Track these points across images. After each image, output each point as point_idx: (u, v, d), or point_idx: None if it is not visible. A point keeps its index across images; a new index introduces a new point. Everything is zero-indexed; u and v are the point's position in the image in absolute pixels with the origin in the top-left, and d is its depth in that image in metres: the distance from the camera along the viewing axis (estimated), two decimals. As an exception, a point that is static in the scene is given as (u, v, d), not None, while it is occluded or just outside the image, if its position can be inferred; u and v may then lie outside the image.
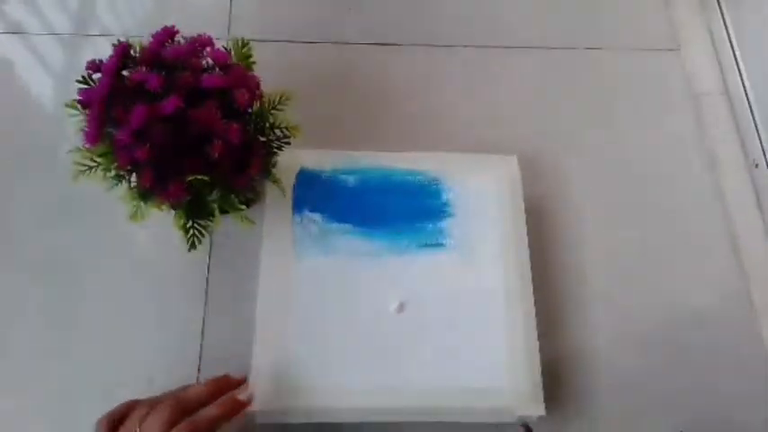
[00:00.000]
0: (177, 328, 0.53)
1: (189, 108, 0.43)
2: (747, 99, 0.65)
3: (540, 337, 0.52)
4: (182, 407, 0.44)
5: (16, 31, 0.65)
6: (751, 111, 0.65)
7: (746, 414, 0.54)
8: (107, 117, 0.43)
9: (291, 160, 0.56)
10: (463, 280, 0.53)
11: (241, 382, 0.49)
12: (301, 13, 0.68)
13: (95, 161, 0.45)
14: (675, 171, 0.63)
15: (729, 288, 0.58)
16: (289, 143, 0.51)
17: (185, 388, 0.47)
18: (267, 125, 0.49)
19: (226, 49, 0.48)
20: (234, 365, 0.50)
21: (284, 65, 0.63)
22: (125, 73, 0.45)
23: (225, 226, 0.55)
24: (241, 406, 0.47)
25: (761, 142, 0.63)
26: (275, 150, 0.51)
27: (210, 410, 0.44)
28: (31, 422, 0.50)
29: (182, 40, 0.46)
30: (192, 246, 0.50)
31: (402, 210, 0.56)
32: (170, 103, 0.42)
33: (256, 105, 0.48)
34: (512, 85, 0.66)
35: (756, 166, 0.63)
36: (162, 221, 0.50)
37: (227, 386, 0.48)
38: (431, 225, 0.55)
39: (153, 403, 0.44)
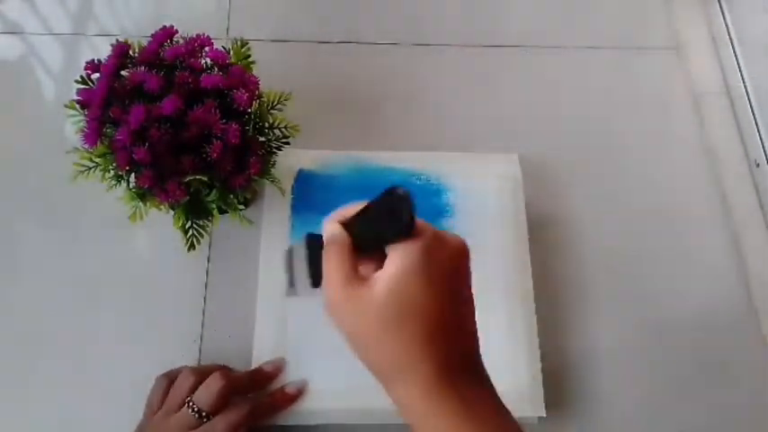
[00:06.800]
0: (177, 327, 0.53)
1: (188, 108, 0.43)
2: (748, 98, 0.65)
3: (541, 337, 0.52)
4: (233, 385, 0.46)
5: (14, 31, 0.65)
6: (752, 110, 0.64)
7: (747, 414, 0.54)
8: (106, 117, 0.43)
9: (290, 160, 0.56)
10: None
11: (274, 375, 0.50)
12: (301, 13, 0.68)
13: (94, 161, 0.45)
14: (676, 171, 0.63)
15: (729, 288, 0.58)
16: (288, 143, 0.51)
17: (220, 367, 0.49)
18: (266, 125, 0.49)
19: (225, 49, 0.48)
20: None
21: (284, 65, 0.63)
22: (124, 73, 0.45)
23: (224, 226, 0.55)
24: (292, 399, 0.49)
25: (762, 142, 0.63)
26: (274, 150, 0.50)
27: (267, 398, 0.48)
28: (30, 418, 0.50)
29: (180, 41, 0.46)
30: (192, 246, 0.50)
31: (402, 210, 0.55)
32: (169, 104, 0.42)
33: (255, 105, 0.48)
34: (512, 84, 0.66)
35: (757, 165, 0.63)
36: (161, 222, 0.50)
37: (264, 376, 0.50)
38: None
39: (202, 373, 0.46)
